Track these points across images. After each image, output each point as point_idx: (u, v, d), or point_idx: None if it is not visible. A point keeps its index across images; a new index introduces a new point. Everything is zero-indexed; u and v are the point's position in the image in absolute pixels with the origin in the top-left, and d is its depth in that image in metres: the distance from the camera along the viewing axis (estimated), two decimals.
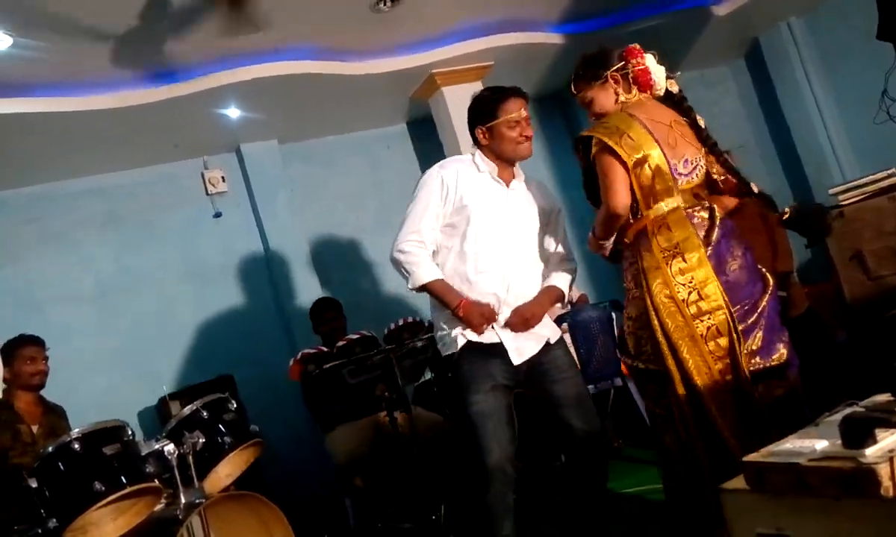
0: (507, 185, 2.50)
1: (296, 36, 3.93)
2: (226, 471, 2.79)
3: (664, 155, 2.27)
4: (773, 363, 2.23)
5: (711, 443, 2.18)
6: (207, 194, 4.77)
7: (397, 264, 2.46)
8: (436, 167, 2.53)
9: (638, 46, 2.42)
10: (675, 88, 2.42)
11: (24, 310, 4.17)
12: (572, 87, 2.52)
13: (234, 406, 2.85)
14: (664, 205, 2.27)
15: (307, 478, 4.40)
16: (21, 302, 4.22)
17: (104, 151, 4.32)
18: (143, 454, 2.52)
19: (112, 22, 3.26)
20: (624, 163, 2.23)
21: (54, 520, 2.28)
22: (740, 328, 2.18)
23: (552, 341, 2.50)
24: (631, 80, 2.38)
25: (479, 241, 2.42)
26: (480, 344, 2.39)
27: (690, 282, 2.19)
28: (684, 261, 2.21)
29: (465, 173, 2.47)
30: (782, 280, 4.04)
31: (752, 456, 1.45)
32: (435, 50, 4.55)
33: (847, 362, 3.65)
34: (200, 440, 2.62)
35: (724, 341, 2.18)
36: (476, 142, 2.54)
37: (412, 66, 4.53)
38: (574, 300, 4.41)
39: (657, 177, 2.25)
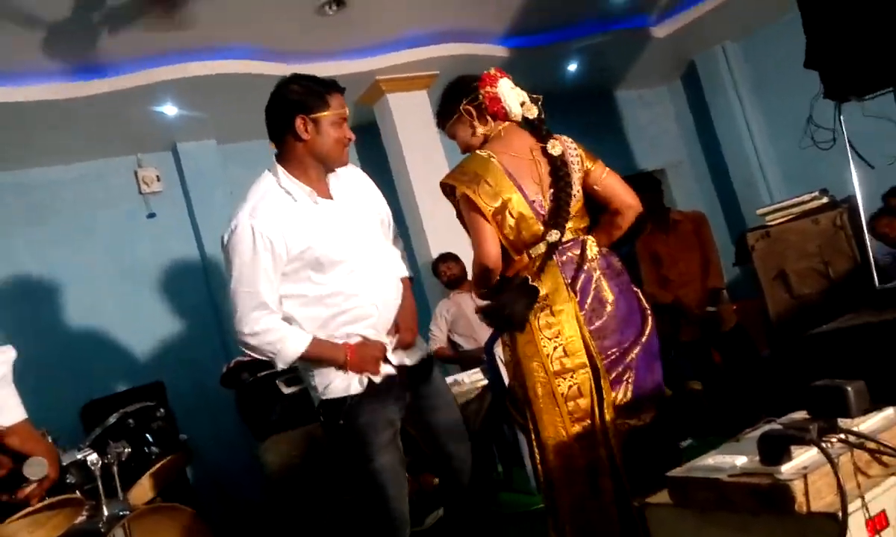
0: (330, 197, 2.17)
1: (238, 35, 3.86)
2: (151, 482, 2.71)
3: (525, 198, 2.11)
4: (639, 424, 2.10)
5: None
6: (141, 193, 4.63)
7: (253, 349, 2.09)
8: (244, 217, 2.04)
9: (493, 71, 2.25)
10: (532, 113, 2.23)
11: None
12: (437, 125, 2.40)
13: (163, 414, 2.78)
14: (534, 251, 2.13)
15: (238, 489, 4.30)
16: None
17: (31, 145, 4.14)
18: (63, 464, 2.42)
19: (44, 11, 3.14)
20: (484, 215, 2.08)
21: None
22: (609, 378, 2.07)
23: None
24: (485, 109, 2.22)
25: (331, 275, 2.10)
26: (377, 383, 2.13)
27: (557, 337, 2.06)
28: (552, 314, 2.07)
29: (280, 212, 2.07)
30: (713, 296, 4.20)
31: (675, 471, 1.48)
32: (380, 56, 4.55)
33: (771, 377, 3.80)
34: (126, 449, 2.56)
35: (584, 402, 2.06)
36: (284, 137, 2.11)
37: (357, 71, 4.51)
38: None
39: (521, 224, 2.11)
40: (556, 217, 2.10)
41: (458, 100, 2.25)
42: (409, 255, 2.54)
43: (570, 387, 2.05)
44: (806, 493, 1.27)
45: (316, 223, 2.09)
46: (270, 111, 2.15)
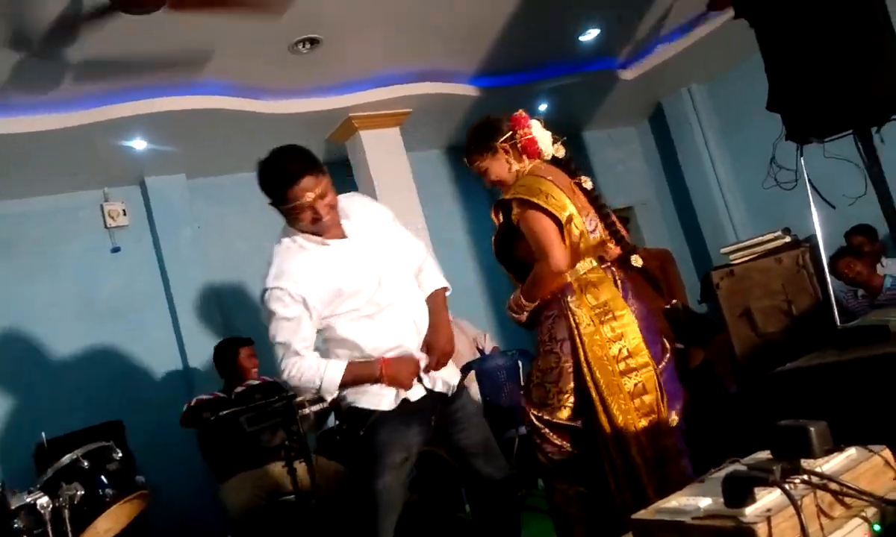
0: (345, 236, 2.26)
1: (210, 71, 3.85)
2: (105, 526, 2.60)
3: (580, 216, 2.35)
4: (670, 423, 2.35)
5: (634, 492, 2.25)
6: (106, 227, 4.55)
7: (298, 390, 2.35)
8: (271, 282, 2.17)
9: (523, 113, 2.48)
10: (561, 153, 2.48)
11: None
12: (464, 159, 2.56)
13: (120, 455, 2.69)
14: (583, 265, 2.35)
15: (201, 532, 4.17)
16: None
17: None
18: (12, 507, 2.33)
19: (12, 43, 3.10)
20: (557, 220, 2.28)
21: None
22: None
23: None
24: (520, 149, 2.44)
25: (363, 311, 2.21)
26: (408, 402, 2.23)
27: (621, 339, 2.28)
28: (615, 319, 2.30)
29: (303, 267, 2.17)
30: None
31: (640, 514, 1.46)
32: (353, 94, 4.56)
33: (738, 415, 3.81)
34: (79, 492, 2.46)
35: (648, 398, 2.28)
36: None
37: (329, 108, 4.53)
38: (487, 351, 4.42)
39: (582, 238, 2.33)
40: (621, 240, 2.43)
41: (494, 138, 2.44)
42: None
43: (635, 384, 2.27)
44: (770, 536, 1.26)
45: (336, 264, 2.20)
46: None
